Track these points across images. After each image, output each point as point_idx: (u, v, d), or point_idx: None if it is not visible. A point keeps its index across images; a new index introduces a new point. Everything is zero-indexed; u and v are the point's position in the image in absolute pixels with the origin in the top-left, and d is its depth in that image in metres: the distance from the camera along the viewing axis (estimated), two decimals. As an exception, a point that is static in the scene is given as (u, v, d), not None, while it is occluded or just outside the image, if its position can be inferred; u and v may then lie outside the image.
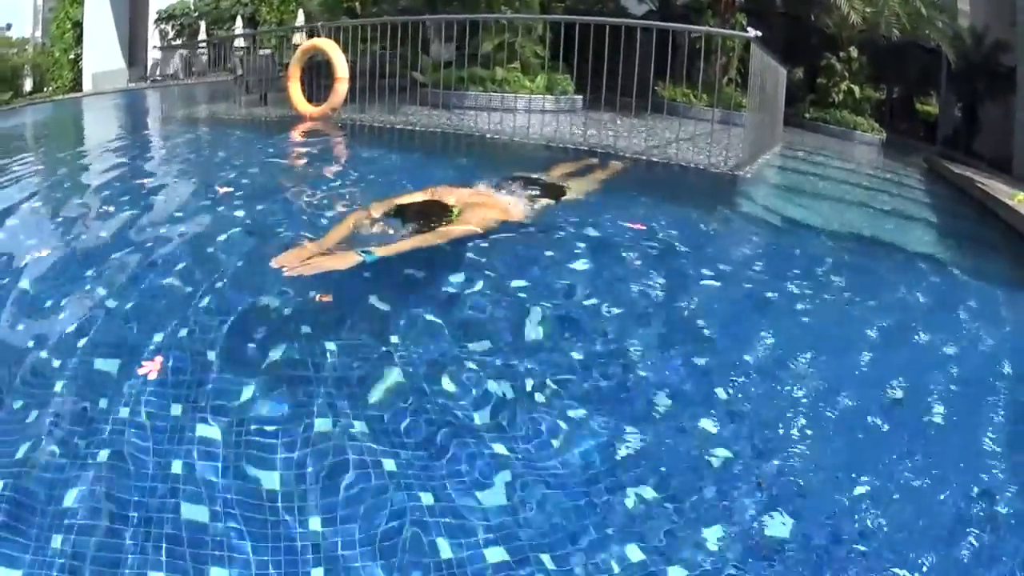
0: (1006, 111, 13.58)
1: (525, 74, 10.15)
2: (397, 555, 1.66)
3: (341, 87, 8.22)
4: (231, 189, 4.53)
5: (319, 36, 8.84)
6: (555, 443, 2.08)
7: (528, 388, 2.31)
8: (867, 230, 5.64)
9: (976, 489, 2.11)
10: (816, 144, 11.50)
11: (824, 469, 2.12)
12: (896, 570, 1.77)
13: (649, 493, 1.93)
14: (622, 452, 2.08)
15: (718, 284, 3.42)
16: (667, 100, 9.78)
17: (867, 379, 2.70)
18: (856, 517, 1.93)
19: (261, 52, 11.84)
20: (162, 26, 18.10)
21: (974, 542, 1.90)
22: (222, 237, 3.39)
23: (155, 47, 17.73)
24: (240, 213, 3.92)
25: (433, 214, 3.33)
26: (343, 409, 2.09)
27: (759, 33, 8.11)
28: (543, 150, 7.32)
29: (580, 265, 3.32)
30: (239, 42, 12.43)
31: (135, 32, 18.47)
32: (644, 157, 6.83)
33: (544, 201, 4.07)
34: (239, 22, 16.80)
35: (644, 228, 3.94)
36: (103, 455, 1.87)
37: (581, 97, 10.12)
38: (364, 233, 3.21)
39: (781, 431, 2.29)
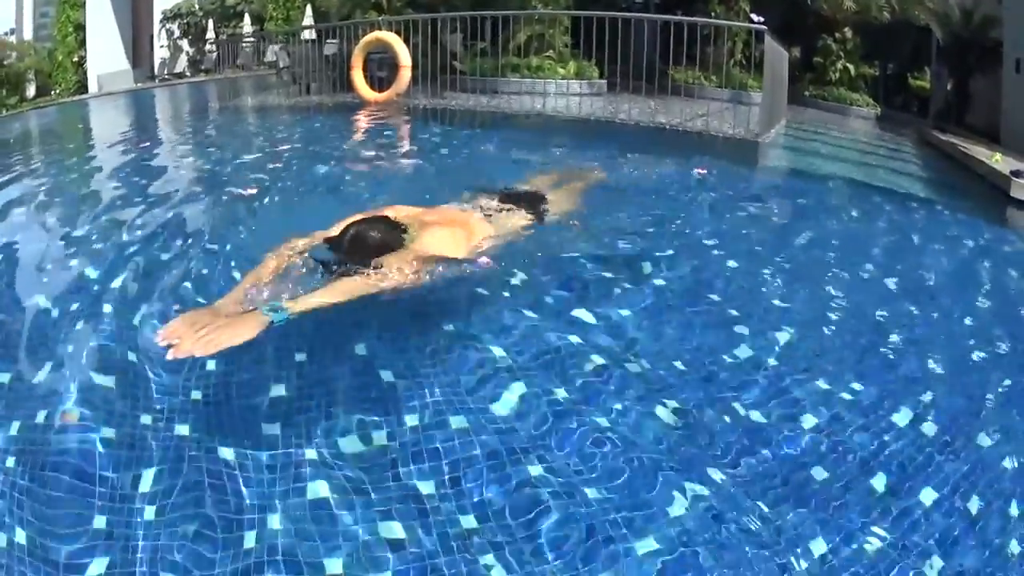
0: (995, 84, 15.58)
1: (557, 62, 12.36)
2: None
3: (405, 74, 10.35)
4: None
5: (380, 29, 10.93)
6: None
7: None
8: (866, 177, 7.80)
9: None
10: (817, 118, 13.71)
11: (863, 307, 3.53)
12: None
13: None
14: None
15: (772, 200, 5.58)
16: (680, 83, 11.91)
17: (875, 260, 4.50)
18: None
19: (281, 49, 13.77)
20: (168, 25, 19.95)
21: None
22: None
23: (162, 46, 19.61)
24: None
25: (378, 242, 2.81)
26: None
27: (762, 19, 10.30)
28: (581, 124, 9.59)
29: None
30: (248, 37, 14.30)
31: (138, 33, 20.30)
32: (680, 128, 9.00)
33: (523, 214, 3.73)
34: (247, 19, 18.76)
35: (706, 171, 6.06)
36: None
37: (605, 81, 12.25)
38: (287, 276, 2.79)
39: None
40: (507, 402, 2.41)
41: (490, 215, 3.59)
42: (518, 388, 2.46)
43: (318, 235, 2.98)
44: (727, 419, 2.46)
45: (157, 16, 20.06)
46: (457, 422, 2.30)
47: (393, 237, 2.85)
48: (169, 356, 2.09)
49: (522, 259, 3.32)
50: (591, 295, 3.15)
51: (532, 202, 3.88)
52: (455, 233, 3.15)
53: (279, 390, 2.41)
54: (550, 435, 2.28)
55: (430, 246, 2.91)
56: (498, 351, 2.63)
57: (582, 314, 2.95)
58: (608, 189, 4.68)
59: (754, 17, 13.66)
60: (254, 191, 5.31)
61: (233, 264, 3.24)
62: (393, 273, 2.68)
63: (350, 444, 2.22)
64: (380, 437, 2.25)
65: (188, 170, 6.38)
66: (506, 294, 3.06)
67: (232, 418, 2.32)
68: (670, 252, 3.83)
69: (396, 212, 3.16)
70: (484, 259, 3.23)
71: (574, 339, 2.77)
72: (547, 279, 3.24)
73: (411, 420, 2.31)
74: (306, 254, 2.90)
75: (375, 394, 2.43)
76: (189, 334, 2.13)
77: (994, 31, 15.77)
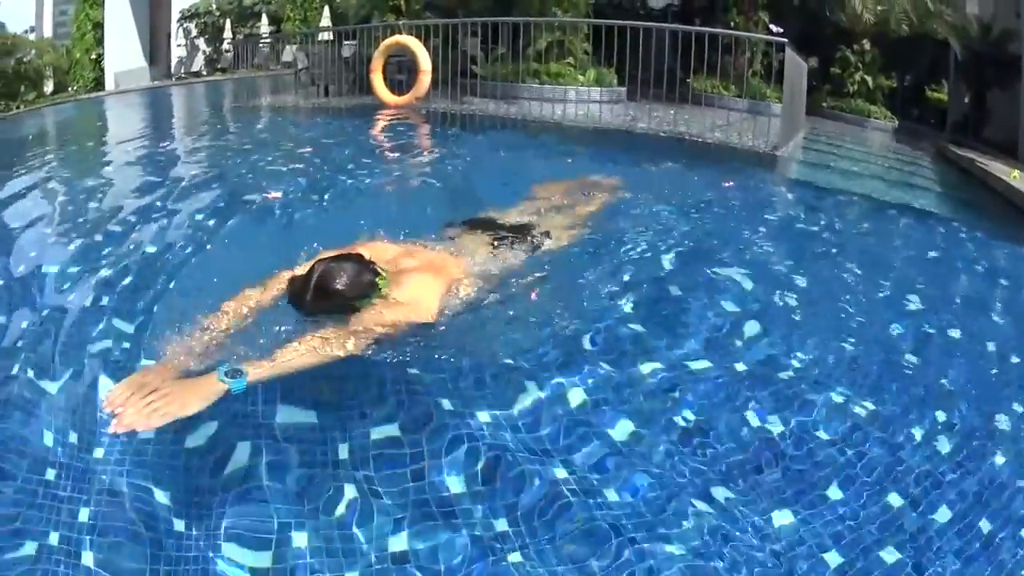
0: (1014, 99, 15.58)
1: (576, 68, 12.50)
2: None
3: (425, 79, 10.55)
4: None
5: (401, 33, 11.11)
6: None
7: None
8: (885, 194, 7.89)
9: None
10: (834, 130, 13.79)
11: (879, 324, 3.61)
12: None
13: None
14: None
15: (792, 212, 5.70)
16: (699, 92, 11.97)
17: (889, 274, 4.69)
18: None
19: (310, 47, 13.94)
20: (186, 24, 20.19)
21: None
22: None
23: (179, 45, 19.85)
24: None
25: (347, 291, 2.49)
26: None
27: (780, 30, 10.37)
28: (600, 133, 9.73)
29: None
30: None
31: (156, 31, 20.55)
32: (700, 139, 9.13)
33: (517, 251, 3.38)
34: (264, 19, 18.97)
35: (734, 184, 6.18)
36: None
37: (624, 89, 12.38)
38: (248, 329, 2.52)
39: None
40: (491, 476, 2.15)
41: (479, 254, 3.25)
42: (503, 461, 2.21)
43: (282, 276, 2.69)
44: (742, 432, 2.51)
45: (175, 15, 20.31)
46: (436, 504, 2.05)
47: (363, 284, 2.54)
48: (110, 430, 1.91)
49: (517, 305, 3.02)
50: (589, 342, 2.89)
51: (530, 236, 3.52)
52: (436, 282, 2.82)
53: (221, 459, 2.11)
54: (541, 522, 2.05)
55: (407, 297, 2.63)
56: (480, 420, 2.32)
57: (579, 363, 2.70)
58: (627, 210, 4.63)
59: (773, 28, 13.79)
60: (278, 196, 5.46)
61: (247, 272, 3.08)
62: (364, 332, 2.40)
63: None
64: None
65: (204, 173, 6.45)
66: (496, 351, 2.70)
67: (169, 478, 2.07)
68: (684, 269, 3.86)
69: (372, 250, 2.83)
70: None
71: (572, 404, 2.49)
72: (543, 329, 2.90)
73: (377, 504, 2.03)
74: (269, 302, 2.63)
75: (338, 477, 2.11)
76: (134, 402, 1.94)
77: (1012, 45, 15.85)
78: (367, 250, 2.78)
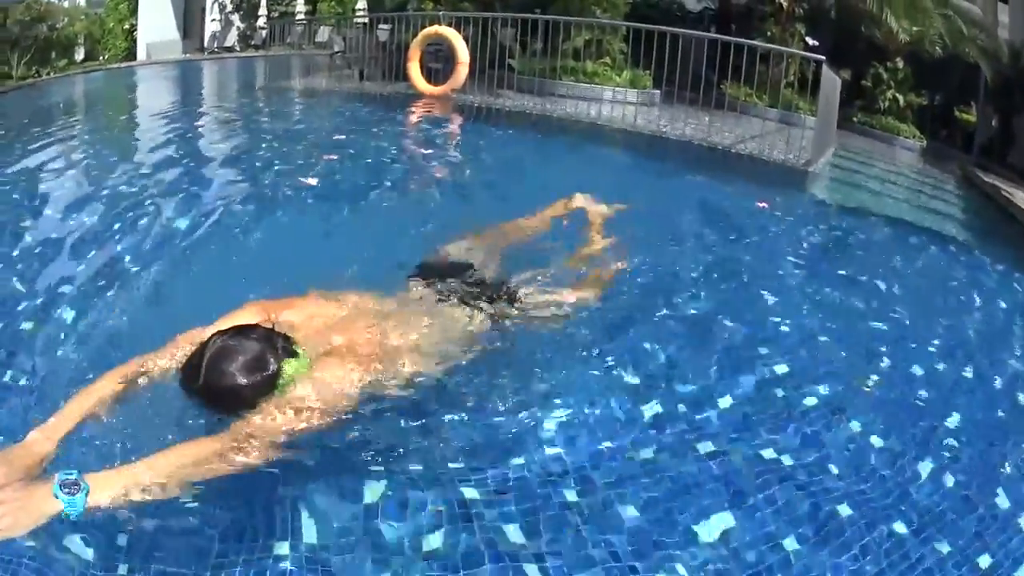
0: (1040, 125, 15.69)
1: (612, 68, 12.60)
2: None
3: (462, 70, 10.67)
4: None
5: (440, 23, 11.23)
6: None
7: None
8: (911, 219, 7.96)
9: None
10: (864, 147, 13.81)
11: (895, 355, 3.72)
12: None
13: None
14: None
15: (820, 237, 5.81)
16: (733, 99, 12.05)
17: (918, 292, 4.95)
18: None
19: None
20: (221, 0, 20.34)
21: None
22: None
23: (213, 19, 19.96)
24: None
25: (241, 392, 1.98)
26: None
27: (817, 43, 10.42)
28: (634, 137, 9.85)
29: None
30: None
31: (190, 5, 20.65)
32: (733, 150, 9.24)
33: (480, 321, 2.79)
34: (300, -1, 19.14)
35: (767, 205, 6.27)
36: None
37: (659, 92, 12.40)
38: (116, 415, 2.03)
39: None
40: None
41: (432, 330, 2.62)
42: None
43: (180, 342, 2.20)
44: (754, 460, 2.56)
45: (210, -11, 20.43)
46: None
47: (263, 382, 2.01)
48: None
49: (462, 402, 2.55)
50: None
51: (498, 298, 2.96)
52: (363, 375, 2.22)
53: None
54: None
55: (322, 393, 2.10)
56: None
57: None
58: (642, 268, 4.22)
59: (809, 40, 13.85)
60: (314, 182, 5.62)
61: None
62: (260, 437, 1.92)
63: None
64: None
65: (216, 161, 6.69)
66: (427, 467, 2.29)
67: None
68: (698, 292, 3.97)
69: (303, 312, 2.38)
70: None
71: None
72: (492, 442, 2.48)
73: None
74: (161, 375, 2.14)
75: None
76: None
77: (1041, 73, 15.91)
78: (297, 310, 2.37)
